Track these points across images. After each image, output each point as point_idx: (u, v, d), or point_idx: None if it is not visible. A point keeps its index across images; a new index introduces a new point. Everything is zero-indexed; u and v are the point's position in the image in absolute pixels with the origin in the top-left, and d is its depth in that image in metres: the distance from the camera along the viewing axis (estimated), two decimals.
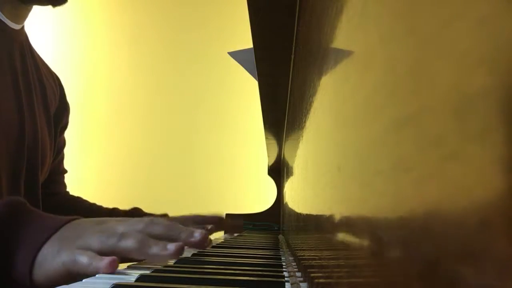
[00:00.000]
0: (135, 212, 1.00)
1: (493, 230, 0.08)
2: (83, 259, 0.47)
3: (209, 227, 0.55)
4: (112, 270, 0.46)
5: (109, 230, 0.52)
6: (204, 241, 0.55)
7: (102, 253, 0.49)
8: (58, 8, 0.85)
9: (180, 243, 0.51)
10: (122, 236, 0.50)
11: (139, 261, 0.55)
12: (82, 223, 0.55)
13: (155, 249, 0.50)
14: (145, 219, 0.55)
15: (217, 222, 1.03)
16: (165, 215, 1.01)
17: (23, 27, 0.86)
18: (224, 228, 1.06)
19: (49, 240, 0.51)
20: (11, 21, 0.82)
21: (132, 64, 2.26)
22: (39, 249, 0.50)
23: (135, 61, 2.26)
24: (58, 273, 0.49)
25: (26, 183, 0.81)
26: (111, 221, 0.55)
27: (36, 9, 0.86)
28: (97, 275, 0.44)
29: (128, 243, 0.50)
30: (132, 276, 0.41)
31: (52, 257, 0.49)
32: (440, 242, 0.10)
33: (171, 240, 0.52)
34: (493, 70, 0.08)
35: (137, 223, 0.53)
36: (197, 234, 0.54)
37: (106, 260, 0.47)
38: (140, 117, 2.24)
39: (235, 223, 1.09)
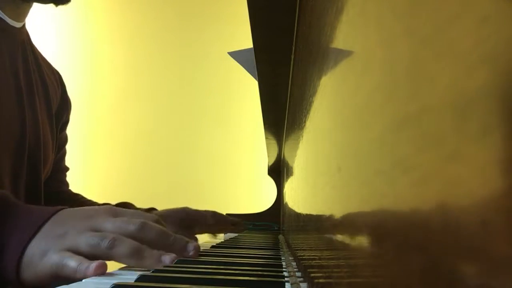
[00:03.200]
0: (125, 207, 0.98)
1: (493, 230, 0.08)
2: (71, 263, 0.46)
3: (194, 243, 0.55)
4: (101, 273, 0.45)
5: (98, 230, 0.50)
6: (196, 254, 0.55)
7: (92, 257, 0.47)
8: (61, 8, 0.84)
9: (174, 256, 0.50)
10: (114, 242, 0.48)
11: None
12: (68, 216, 0.53)
13: (149, 261, 0.49)
14: (137, 220, 0.52)
15: (206, 220, 1.00)
16: (152, 209, 0.99)
17: (24, 25, 0.86)
18: (215, 226, 1.02)
19: (35, 238, 0.49)
20: (12, 19, 0.81)
21: (133, 63, 2.26)
22: (25, 247, 0.48)
23: (136, 61, 2.26)
24: (46, 274, 0.48)
25: (28, 181, 0.81)
26: (99, 216, 0.53)
27: (38, 8, 0.86)
28: (97, 275, 0.44)
29: (121, 251, 0.48)
30: (132, 276, 0.41)
31: (39, 257, 0.48)
32: (440, 242, 0.10)
33: (163, 246, 0.52)
34: (493, 70, 0.08)
35: (128, 225, 0.52)
36: (190, 247, 0.55)
37: (93, 264, 0.45)
38: (141, 116, 2.24)
39: (230, 222, 1.05)
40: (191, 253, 0.55)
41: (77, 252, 0.48)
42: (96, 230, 0.50)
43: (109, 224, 0.51)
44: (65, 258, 0.47)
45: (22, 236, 0.49)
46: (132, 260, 0.48)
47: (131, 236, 0.50)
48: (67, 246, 0.49)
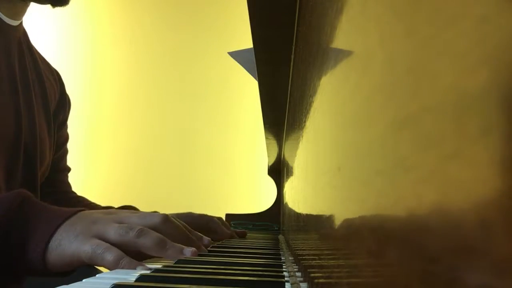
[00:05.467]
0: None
1: (493, 230, 0.08)
2: (108, 256, 0.49)
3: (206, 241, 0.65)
4: (134, 268, 0.49)
5: (124, 222, 0.54)
6: (208, 246, 0.62)
7: (118, 245, 0.51)
8: (58, 9, 0.84)
9: (194, 250, 0.54)
10: (141, 232, 0.52)
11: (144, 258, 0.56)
12: (92, 212, 0.57)
13: (172, 251, 0.53)
14: (157, 216, 0.57)
15: (209, 225, 0.98)
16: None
17: (21, 23, 0.86)
18: (217, 233, 1.00)
19: (61, 226, 0.52)
20: (8, 17, 0.81)
21: (135, 63, 2.26)
22: (52, 234, 0.51)
23: (137, 60, 2.26)
24: (74, 259, 0.50)
25: (23, 181, 0.80)
26: (122, 212, 0.58)
27: (40, 9, 0.86)
28: (97, 275, 0.44)
29: (147, 241, 0.52)
30: (132, 276, 0.41)
31: (68, 242, 0.51)
32: (440, 242, 0.10)
33: (182, 239, 0.57)
34: (493, 70, 0.08)
35: (151, 219, 0.56)
36: (206, 241, 0.62)
37: (132, 260, 0.49)
38: (142, 117, 2.24)
39: (233, 233, 1.03)
40: (205, 242, 0.62)
41: (105, 239, 0.51)
42: (121, 223, 0.54)
43: (135, 219, 0.56)
44: (104, 251, 0.49)
45: (48, 225, 0.52)
46: (156, 250, 0.52)
47: (155, 229, 0.54)
48: (95, 233, 0.52)
